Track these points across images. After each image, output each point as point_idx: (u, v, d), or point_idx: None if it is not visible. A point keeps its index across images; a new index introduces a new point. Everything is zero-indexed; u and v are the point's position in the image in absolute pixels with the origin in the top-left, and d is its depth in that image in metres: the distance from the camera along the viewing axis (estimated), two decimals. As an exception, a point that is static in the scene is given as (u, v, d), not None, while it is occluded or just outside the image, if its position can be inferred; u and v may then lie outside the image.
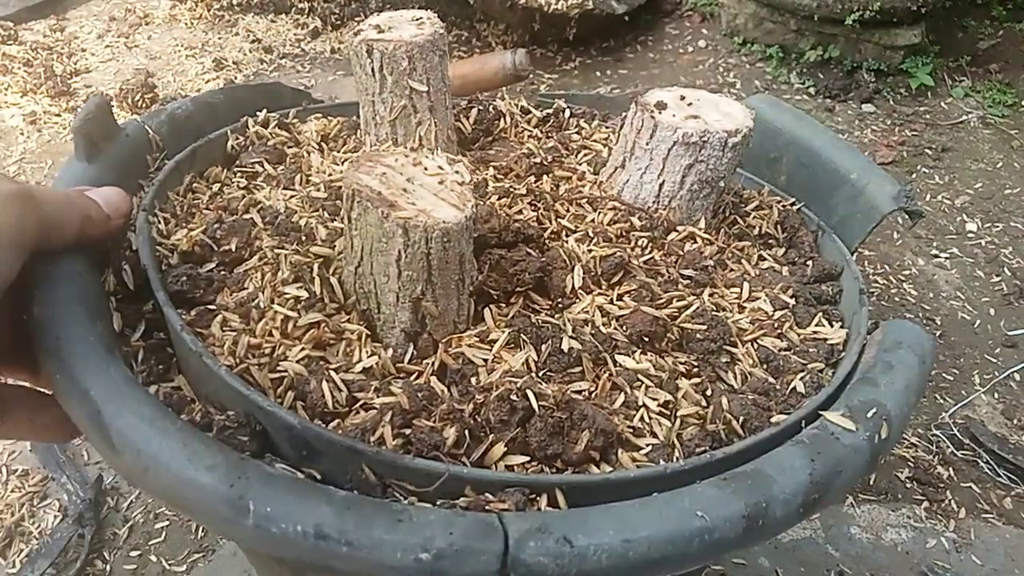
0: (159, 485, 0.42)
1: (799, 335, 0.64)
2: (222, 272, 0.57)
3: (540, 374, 0.53)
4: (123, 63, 2.76)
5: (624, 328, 0.57)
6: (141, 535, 1.22)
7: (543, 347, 0.54)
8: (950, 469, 1.42)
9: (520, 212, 0.67)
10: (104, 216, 0.54)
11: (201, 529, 1.22)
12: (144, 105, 2.35)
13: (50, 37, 2.88)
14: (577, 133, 0.85)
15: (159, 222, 0.62)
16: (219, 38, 2.94)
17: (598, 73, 2.79)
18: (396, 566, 0.39)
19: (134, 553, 1.18)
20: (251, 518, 0.40)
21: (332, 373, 0.50)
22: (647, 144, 0.67)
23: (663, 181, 0.68)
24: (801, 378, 0.58)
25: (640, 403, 0.52)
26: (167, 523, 1.23)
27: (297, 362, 0.50)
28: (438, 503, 0.44)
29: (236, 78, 2.67)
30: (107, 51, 2.84)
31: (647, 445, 0.50)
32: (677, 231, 0.69)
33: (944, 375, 1.64)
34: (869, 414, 0.51)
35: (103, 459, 0.47)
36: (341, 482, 0.45)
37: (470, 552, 0.40)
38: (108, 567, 1.16)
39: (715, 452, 0.49)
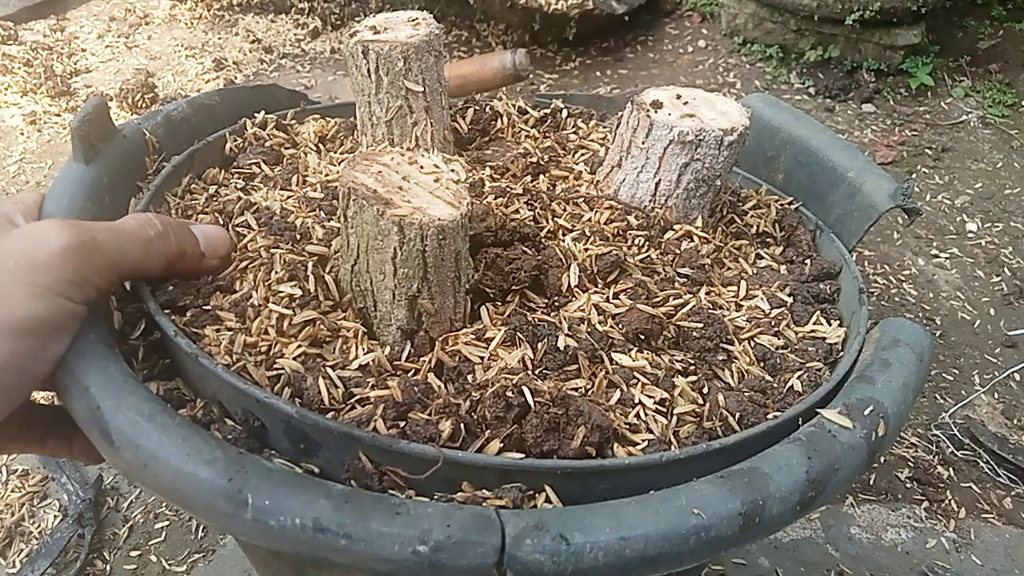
0: (158, 480, 0.42)
1: (797, 334, 0.64)
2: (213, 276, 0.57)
3: (536, 372, 0.53)
4: (123, 63, 2.76)
5: (620, 326, 0.57)
6: (141, 535, 1.22)
7: (539, 345, 0.54)
8: (950, 469, 1.41)
9: (516, 211, 0.67)
10: (199, 254, 0.55)
11: (201, 529, 1.22)
12: (144, 105, 2.35)
13: (50, 37, 2.88)
14: (574, 133, 0.85)
15: None
16: (219, 38, 2.94)
17: (598, 73, 2.79)
18: (394, 559, 0.40)
19: (134, 553, 1.18)
20: (249, 512, 0.40)
21: (328, 370, 0.50)
22: (643, 143, 0.67)
23: (659, 180, 0.68)
24: (798, 376, 0.58)
25: (636, 400, 0.52)
26: (167, 523, 1.23)
27: (293, 359, 0.50)
28: (435, 497, 0.45)
29: (236, 78, 2.67)
30: (107, 51, 2.84)
31: (643, 441, 0.50)
32: (674, 230, 0.69)
33: (944, 375, 1.63)
34: (866, 412, 0.51)
35: (103, 456, 0.47)
36: (339, 477, 0.46)
37: (467, 544, 0.40)
38: (108, 567, 1.16)
39: (711, 443, 0.49)
